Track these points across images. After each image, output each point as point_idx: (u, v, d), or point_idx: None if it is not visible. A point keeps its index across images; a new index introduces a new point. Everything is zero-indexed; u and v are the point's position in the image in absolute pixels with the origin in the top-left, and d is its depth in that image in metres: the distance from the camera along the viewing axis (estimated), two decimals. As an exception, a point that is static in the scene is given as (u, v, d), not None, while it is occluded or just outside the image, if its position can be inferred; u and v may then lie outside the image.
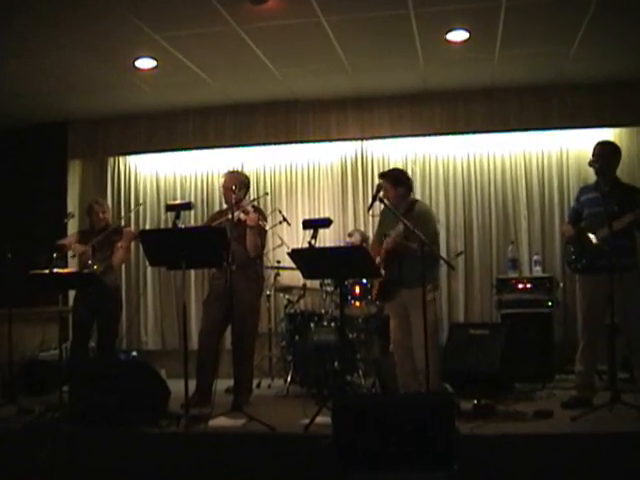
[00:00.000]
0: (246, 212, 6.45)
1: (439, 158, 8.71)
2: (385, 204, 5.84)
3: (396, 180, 6.02)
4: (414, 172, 8.68)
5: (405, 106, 8.47)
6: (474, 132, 8.45)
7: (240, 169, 8.60)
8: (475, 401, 5.55)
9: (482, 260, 8.50)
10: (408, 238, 5.66)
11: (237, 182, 6.60)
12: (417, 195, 8.49)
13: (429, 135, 8.56)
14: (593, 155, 5.87)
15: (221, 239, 5.54)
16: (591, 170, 5.95)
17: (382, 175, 6.14)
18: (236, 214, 6.36)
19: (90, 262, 6.73)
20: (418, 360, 5.70)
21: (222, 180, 6.80)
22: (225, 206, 6.95)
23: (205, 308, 6.81)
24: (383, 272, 5.86)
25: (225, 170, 7.29)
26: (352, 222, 8.68)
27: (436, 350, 5.44)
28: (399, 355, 5.97)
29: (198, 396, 6.28)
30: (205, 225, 6.21)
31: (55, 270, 6.22)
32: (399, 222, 5.69)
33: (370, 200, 5.95)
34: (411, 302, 5.77)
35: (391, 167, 8.19)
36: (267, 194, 8.22)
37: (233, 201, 6.36)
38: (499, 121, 8.28)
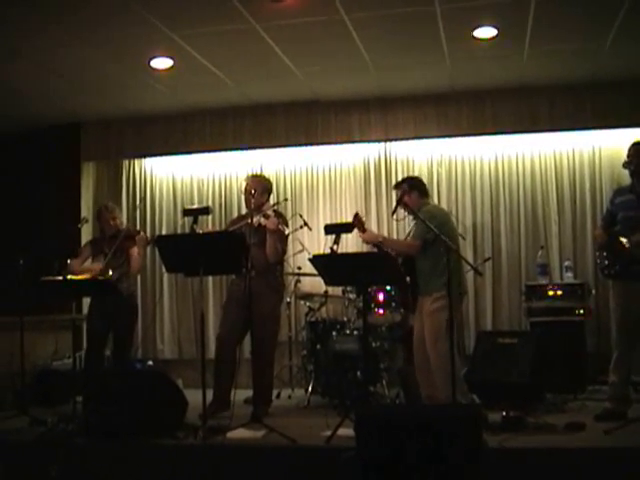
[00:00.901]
0: (266, 217, 6.46)
1: (465, 160, 8.67)
2: (408, 208, 5.94)
3: (409, 185, 6.15)
4: (440, 175, 8.67)
5: (430, 106, 8.46)
6: (502, 133, 8.42)
7: (260, 172, 8.63)
8: (504, 413, 5.53)
9: (510, 266, 8.45)
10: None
11: (259, 186, 6.64)
12: (443, 198, 8.55)
13: (455, 136, 8.54)
14: (628, 156, 5.83)
15: (240, 245, 5.56)
16: (626, 171, 5.91)
17: (396, 185, 6.28)
18: (256, 219, 6.38)
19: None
20: (434, 371, 5.76)
21: (244, 184, 6.82)
22: (246, 211, 6.95)
23: (224, 312, 6.82)
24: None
25: (246, 173, 7.28)
26: (375, 227, 8.65)
27: (448, 360, 5.36)
28: (418, 365, 5.99)
29: (216, 405, 6.30)
30: (224, 230, 6.22)
31: (69, 277, 6.26)
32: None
33: (394, 204, 6.06)
34: (423, 310, 5.89)
35: (415, 170, 8.34)
36: (287, 200, 8.20)
37: (252, 205, 6.39)
38: (528, 121, 8.24)
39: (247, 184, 6.73)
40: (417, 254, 5.89)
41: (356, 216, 6.00)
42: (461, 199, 8.61)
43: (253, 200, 6.39)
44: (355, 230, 6.05)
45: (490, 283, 8.42)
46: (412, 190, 6.10)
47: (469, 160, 8.67)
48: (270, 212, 6.54)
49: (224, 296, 7.81)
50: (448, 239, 5.44)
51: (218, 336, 6.74)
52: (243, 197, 6.84)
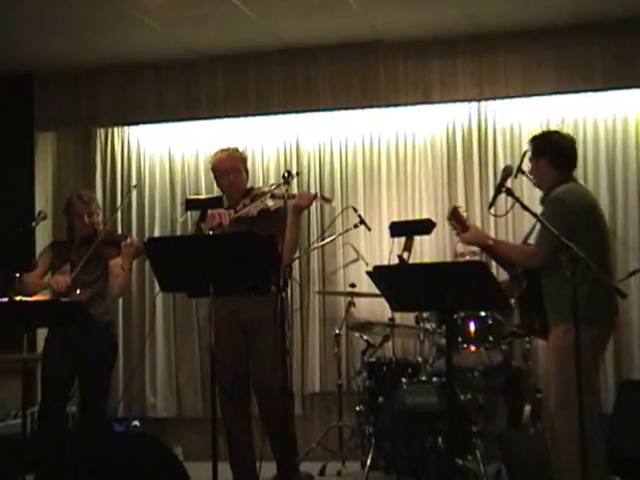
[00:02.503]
0: (276, 196, 6.45)
1: (600, 124, 8.56)
2: (514, 197, 5.73)
3: (537, 147, 5.97)
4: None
5: (546, 47, 8.41)
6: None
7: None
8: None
9: (669, 283, 8.34)
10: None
11: (238, 163, 6.82)
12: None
13: (583, 91, 8.48)
14: None
15: (270, 251, 5.47)
16: None
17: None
18: (257, 204, 6.46)
19: None
20: (558, 437, 5.62)
21: (217, 162, 6.89)
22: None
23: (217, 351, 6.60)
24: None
25: (218, 149, 7.26)
26: (464, 225, 8.60)
27: (577, 421, 5.24)
28: (549, 421, 5.86)
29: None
30: (248, 230, 6.22)
31: (18, 298, 6.25)
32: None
33: (492, 192, 5.91)
34: (549, 345, 5.81)
35: (523, 142, 8.25)
36: (299, 174, 8.18)
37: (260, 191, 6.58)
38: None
39: (223, 163, 6.83)
40: (540, 265, 5.73)
41: (454, 211, 5.89)
42: (593, 180, 8.48)
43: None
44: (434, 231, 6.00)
45: (638, 308, 8.32)
46: (540, 156, 5.90)
47: (604, 124, 8.56)
48: (277, 191, 6.51)
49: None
50: (592, 244, 5.38)
51: (221, 389, 6.70)
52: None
